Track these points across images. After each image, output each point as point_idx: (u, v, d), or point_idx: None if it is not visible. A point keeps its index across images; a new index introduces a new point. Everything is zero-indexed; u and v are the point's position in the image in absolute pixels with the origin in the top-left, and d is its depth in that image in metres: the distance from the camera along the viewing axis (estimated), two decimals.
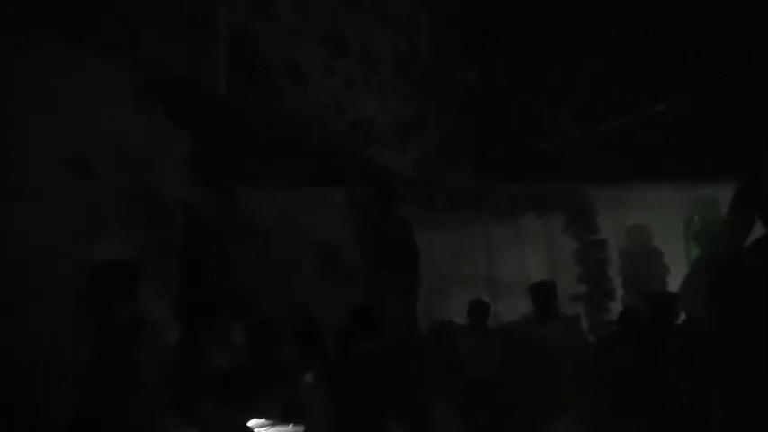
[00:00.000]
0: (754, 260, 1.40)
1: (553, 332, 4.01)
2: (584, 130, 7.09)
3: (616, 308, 4.96)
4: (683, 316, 3.76)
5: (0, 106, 2.99)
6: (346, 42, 5.87)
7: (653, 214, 5.24)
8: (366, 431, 2.22)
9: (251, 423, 2.65)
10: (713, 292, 1.43)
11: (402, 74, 6.49)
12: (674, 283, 5.02)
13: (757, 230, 1.51)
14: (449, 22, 7.14)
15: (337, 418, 2.28)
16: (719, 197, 5.35)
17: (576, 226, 5.25)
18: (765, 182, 1.51)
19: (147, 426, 2.49)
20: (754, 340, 1.31)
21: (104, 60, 3.50)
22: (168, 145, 3.60)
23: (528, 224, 5.31)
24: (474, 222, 5.27)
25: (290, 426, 2.59)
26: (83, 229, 2.94)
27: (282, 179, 4.86)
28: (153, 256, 3.14)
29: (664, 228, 5.24)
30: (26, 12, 3.17)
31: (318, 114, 5.44)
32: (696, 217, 5.34)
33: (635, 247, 5.20)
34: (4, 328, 2.60)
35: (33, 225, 2.80)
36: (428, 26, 6.94)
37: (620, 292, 5.16)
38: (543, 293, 4.19)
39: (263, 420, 2.81)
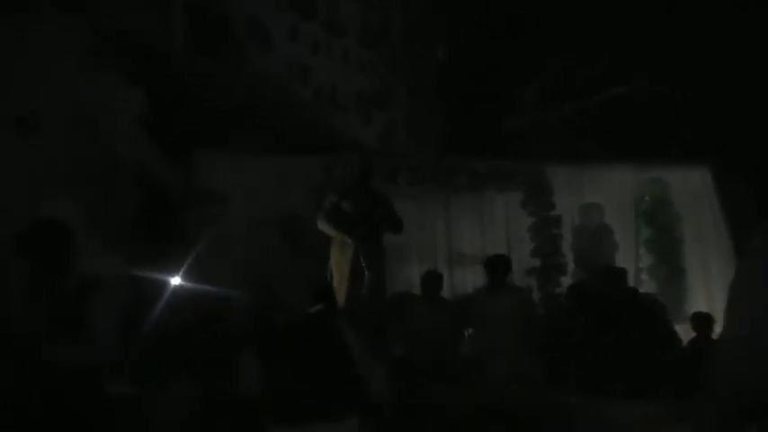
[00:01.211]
0: None
1: (504, 304, 4.13)
2: (547, 110, 7.21)
3: (567, 281, 5.14)
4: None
5: None
6: (314, 6, 5.74)
7: (606, 193, 5.41)
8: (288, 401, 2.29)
9: None
10: None
11: (370, 46, 6.41)
12: (622, 258, 5.24)
13: None
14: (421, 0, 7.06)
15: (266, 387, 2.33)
16: (669, 178, 5.61)
17: (533, 202, 5.38)
18: None
19: (100, 387, 2.47)
20: None
21: (57, 16, 3.34)
22: (122, 105, 3.50)
23: (488, 199, 5.40)
24: (436, 196, 5.33)
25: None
26: (28, 189, 2.85)
27: (243, 145, 4.76)
28: (104, 216, 3.08)
29: (615, 206, 5.43)
30: None
31: (282, 78, 5.33)
32: (647, 197, 5.54)
33: (587, 224, 5.37)
34: None
35: None
36: (400, 3, 6.84)
37: (571, 266, 5.34)
38: (497, 266, 4.30)
39: None
